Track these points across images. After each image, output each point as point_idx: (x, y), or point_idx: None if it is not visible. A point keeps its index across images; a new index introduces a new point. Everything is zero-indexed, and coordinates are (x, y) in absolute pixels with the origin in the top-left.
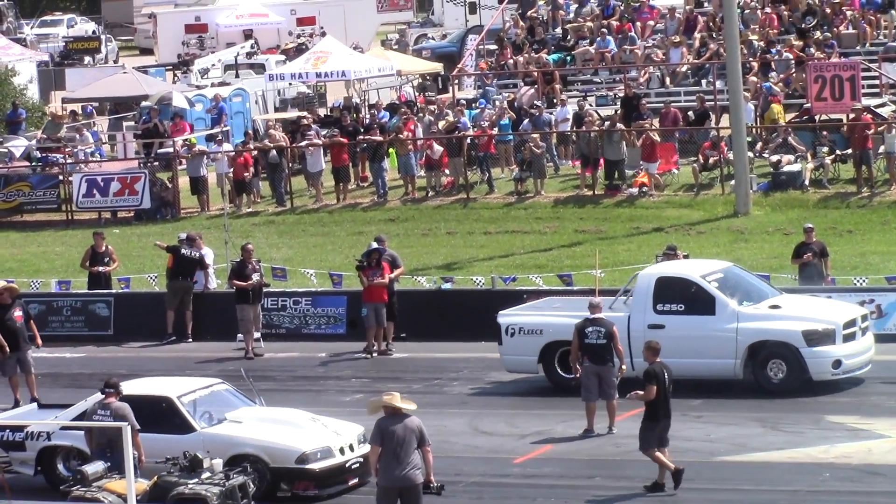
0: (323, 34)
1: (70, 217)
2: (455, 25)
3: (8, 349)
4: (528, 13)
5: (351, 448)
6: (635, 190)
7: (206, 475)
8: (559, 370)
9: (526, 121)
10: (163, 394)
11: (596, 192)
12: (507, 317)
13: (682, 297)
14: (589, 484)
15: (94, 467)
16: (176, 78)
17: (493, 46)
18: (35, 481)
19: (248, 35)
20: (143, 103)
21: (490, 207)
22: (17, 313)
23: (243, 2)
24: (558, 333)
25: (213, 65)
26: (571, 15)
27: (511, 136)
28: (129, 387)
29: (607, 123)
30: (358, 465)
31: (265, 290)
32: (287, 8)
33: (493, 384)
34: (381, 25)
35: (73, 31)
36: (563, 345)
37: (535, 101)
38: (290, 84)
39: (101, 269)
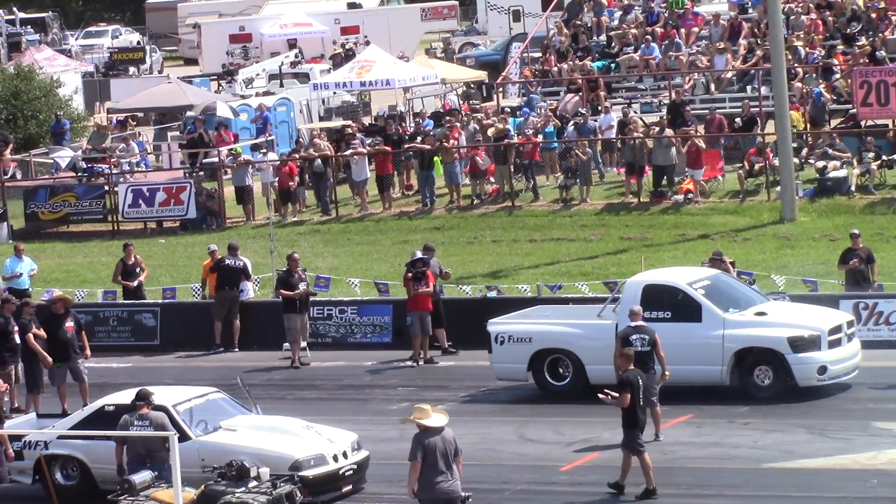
0: (367, 43)
1: (116, 227)
2: (499, 33)
3: (50, 360)
4: (573, 21)
5: (345, 455)
6: (681, 197)
7: (252, 484)
8: (548, 377)
9: (571, 128)
10: (158, 402)
11: (641, 199)
12: (496, 325)
13: (669, 304)
14: (636, 491)
15: (142, 477)
16: (220, 88)
17: (538, 54)
18: (33, 490)
19: (292, 44)
20: (188, 113)
21: (535, 215)
22: (69, 324)
23: (287, 11)
24: (547, 341)
25: (258, 74)
26: (616, 22)
27: (556, 144)
28: (125, 397)
29: (656, 129)
30: (352, 472)
31: (311, 299)
32: (331, 17)
33: (539, 392)
34: (425, 34)
35: (117, 42)
36: (552, 352)
37: (580, 109)
38: (335, 93)
39: (133, 283)
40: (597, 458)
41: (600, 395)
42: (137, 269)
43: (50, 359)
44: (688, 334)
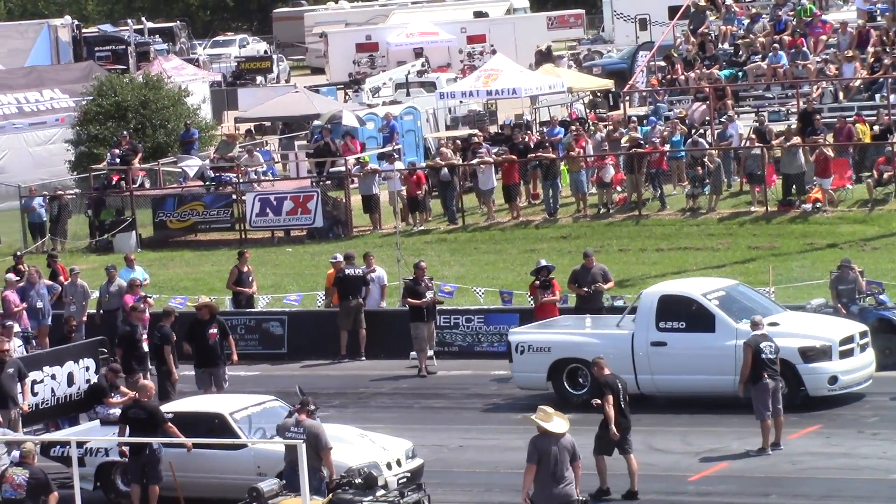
0: (493, 52)
1: (243, 236)
2: (625, 42)
3: (177, 377)
4: (699, 29)
5: (398, 463)
6: (809, 206)
7: (380, 493)
8: (567, 386)
9: (698, 135)
10: (215, 410)
11: (769, 209)
12: (517, 335)
13: (683, 314)
14: (764, 502)
15: (269, 484)
16: (347, 97)
17: (664, 63)
18: (95, 496)
19: (418, 53)
20: (315, 122)
21: (662, 224)
22: (213, 330)
23: (414, 20)
24: (565, 351)
25: (384, 83)
26: (743, 30)
27: (683, 153)
28: (183, 404)
29: (781, 138)
30: (405, 479)
31: (438, 307)
32: (457, 26)
33: (667, 401)
34: (551, 42)
35: (244, 51)
36: (571, 362)
37: (706, 118)
38: (461, 102)
39: (249, 290)
40: (725, 469)
41: (593, 402)
42: (250, 278)
43: (177, 375)
44: (701, 344)
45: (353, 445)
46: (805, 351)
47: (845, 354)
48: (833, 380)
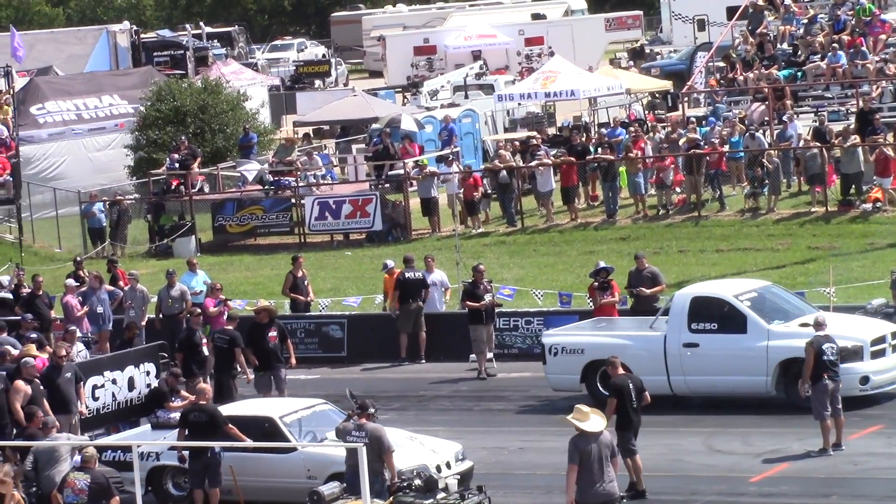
0: (551, 54)
1: (303, 240)
2: (684, 43)
3: (251, 378)
4: (758, 29)
5: (448, 466)
6: (869, 205)
7: (441, 496)
8: (601, 388)
9: (759, 134)
10: (265, 414)
11: (829, 209)
12: (550, 337)
13: (715, 315)
14: (825, 502)
15: (330, 488)
16: (405, 100)
17: (723, 63)
18: (146, 501)
19: (476, 56)
20: (373, 126)
21: (722, 225)
22: (272, 333)
23: (471, 23)
24: (598, 352)
25: (443, 86)
26: (801, 30)
27: (742, 153)
28: (234, 408)
29: (839, 138)
30: (455, 482)
31: (497, 310)
32: (515, 28)
33: (728, 402)
34: (609, 44)
35: (303, 55)
36: (604, 364)
37: (766, 118)
38: (519, 104)
39: (305, 297)
40: (787, 469)
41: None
42: (306, 283)
43: (251, 376)
44: (733, 345)
45: (402, 448)
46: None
47: (877, 354)
48: (865, 380)
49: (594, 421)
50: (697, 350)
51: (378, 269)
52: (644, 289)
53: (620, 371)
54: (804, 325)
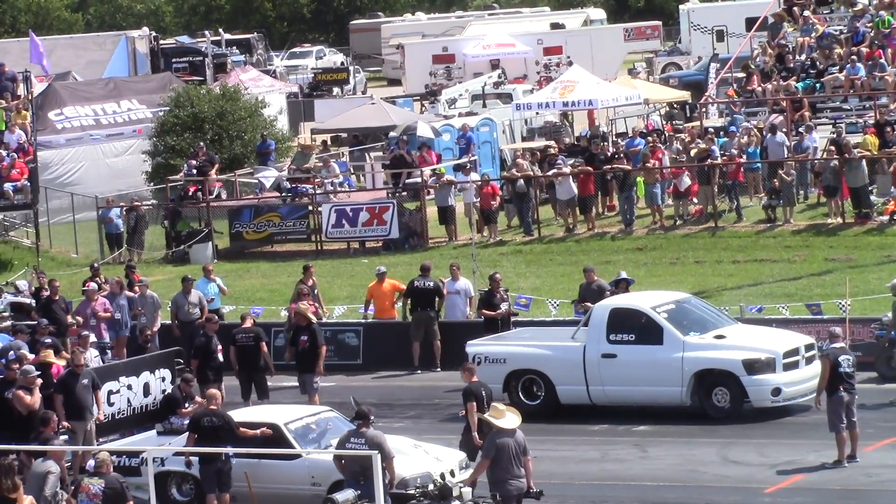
0: (570, 63)
1: (319, 247)
2: (702, 53)
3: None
4: (776, 40)
5: (452, 474)
6: (886, 218)
7: None
8: (522, 397)
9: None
10: (270, 420)
11: (846, 220)
12: (474, 346)
13: (633, 327)
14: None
15: (345, 496)
16: (423, 108)
17: (741, 73)
18: None
19: (494, 65)
20: (391, 134)
21: (738, 236)
22: (304, 337)
23: (490, 32)
24: (520, 362)
25: (461, 95)
26: (820, 42)
27: (759, 165)
28: (239, 414)
29: (857, 149)
30: (470, 490)
31: (512, 319)
32: (534, 38)
33: (743, 412)
34: (627, 54)
35: (321, 63)
36: (525, 373)
37: (783, 129)
38: (537, 113)
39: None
40: (801, 481)
41: (460, 413)
42: (316, 292)
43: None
44: (650, 356)
45: (407, 456)
46: (749, 363)
47: (790, 367)
48: (776, 391)
49: (510, 418)
50: (615, 360)
51: (394, 277)
52: (589, 304)
53: (475, 378)
54: (719, 336)
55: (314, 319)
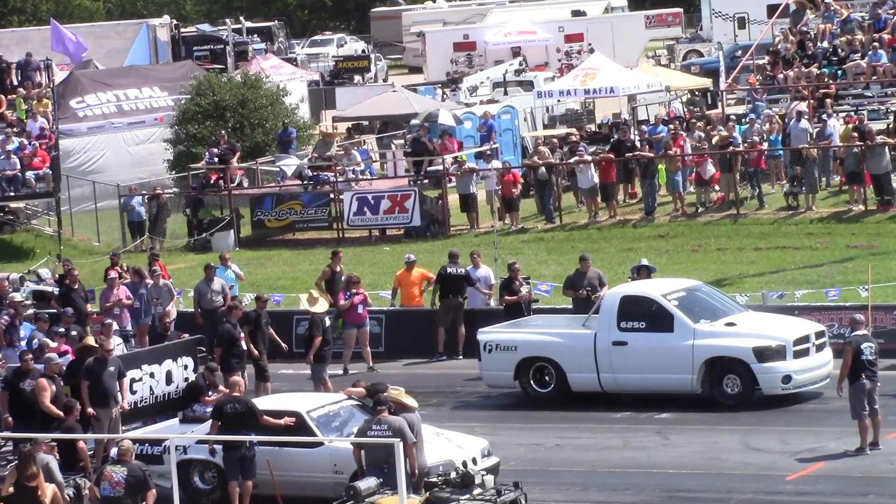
0: (591, 51)
1: (341, 235)
2: (723, 40)
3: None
4: (798, 27)
5: (474, 461)
6: None
7: (477, 491)
8: (533, 385)
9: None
10: (292, 409)
11: (868, 207)
12: (485, 334)
13: (643, 314)
14: (863, 502)
15: (367, 483)
16: (445, 96)
17: (766, 59)
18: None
19: (516, 52)
20: (413, 121)
21: (760, 223)
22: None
23: (511, 19)
24: (531, 350)
25: (482, 82)
26: (842, 29)
27: (781, 151)
28: (261, 402)
29: (881, 136)
30: (492, 478)
31: (534, 306)
32: (555, 25)
33: (765, 400)
34: (649, 41)
35: (342, 51)
36: (536, 361)
37: (805, 116)
38: (559, 101)
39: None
40: (823, 468)
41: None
42: (343, 278)
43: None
44: (660, 344)
45: (428, 444)
46: (760, 351)
47: (800, 354)
48: (787, 379)
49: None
50: (626, 348)
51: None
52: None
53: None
54: (730, 324)
55: (308, 307)
